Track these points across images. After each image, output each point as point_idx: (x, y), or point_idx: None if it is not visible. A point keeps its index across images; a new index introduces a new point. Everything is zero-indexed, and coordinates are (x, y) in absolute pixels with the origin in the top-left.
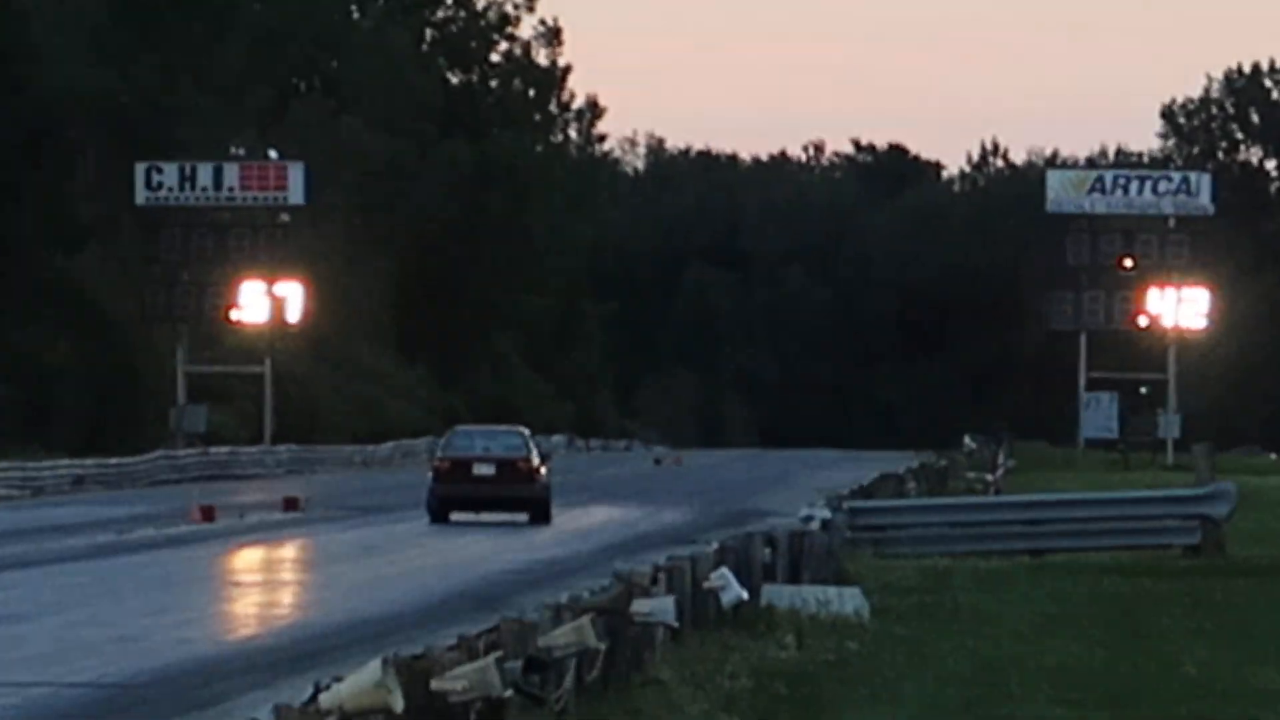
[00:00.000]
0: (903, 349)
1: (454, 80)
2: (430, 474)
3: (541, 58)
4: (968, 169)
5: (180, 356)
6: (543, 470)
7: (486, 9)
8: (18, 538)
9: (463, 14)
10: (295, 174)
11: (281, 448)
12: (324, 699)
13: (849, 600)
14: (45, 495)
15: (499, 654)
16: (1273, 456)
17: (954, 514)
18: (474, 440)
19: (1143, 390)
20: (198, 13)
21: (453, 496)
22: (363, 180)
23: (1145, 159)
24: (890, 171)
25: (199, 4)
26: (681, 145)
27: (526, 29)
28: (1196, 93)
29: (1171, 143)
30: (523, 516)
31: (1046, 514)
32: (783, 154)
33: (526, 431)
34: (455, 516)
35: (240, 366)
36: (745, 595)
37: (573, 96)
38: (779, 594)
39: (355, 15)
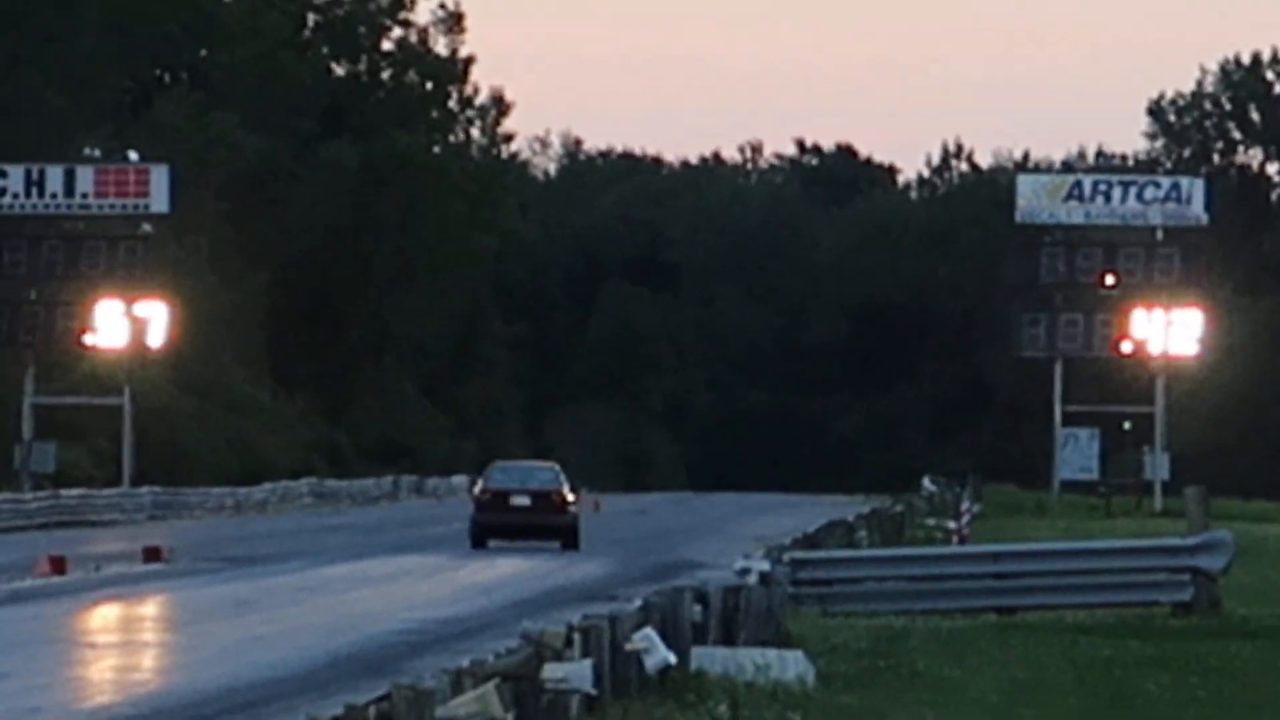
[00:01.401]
0: (854, 378)
1: (339, 71)
2: (473, 504)
3: (440, 47)
4: (926, 173)
5: (26, 387)
6: (572, 502)
7: None
8: None
9: None
10: (158, 178)
11: (142, 490)
12: None
13: (791, 665)
14: None
15: None
16: None
17: (911, 566)
18: (511, 474)
19: (1127, 426)
20: None
21: (492, 525)
22: (235, 185)
23: (1130, 162)
24: (838, 176)
25: None
26: (600, 146)
27: (423, 14)
28: (1188, 87)
29: (1160, 144)
30: (555, 544)
31: (1017, 566)
32: (715, 156)
33: (558, 467)
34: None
35: (95, 398)
36: (673, 659)
37: (476, 90)
38: (711, 658)
39: None
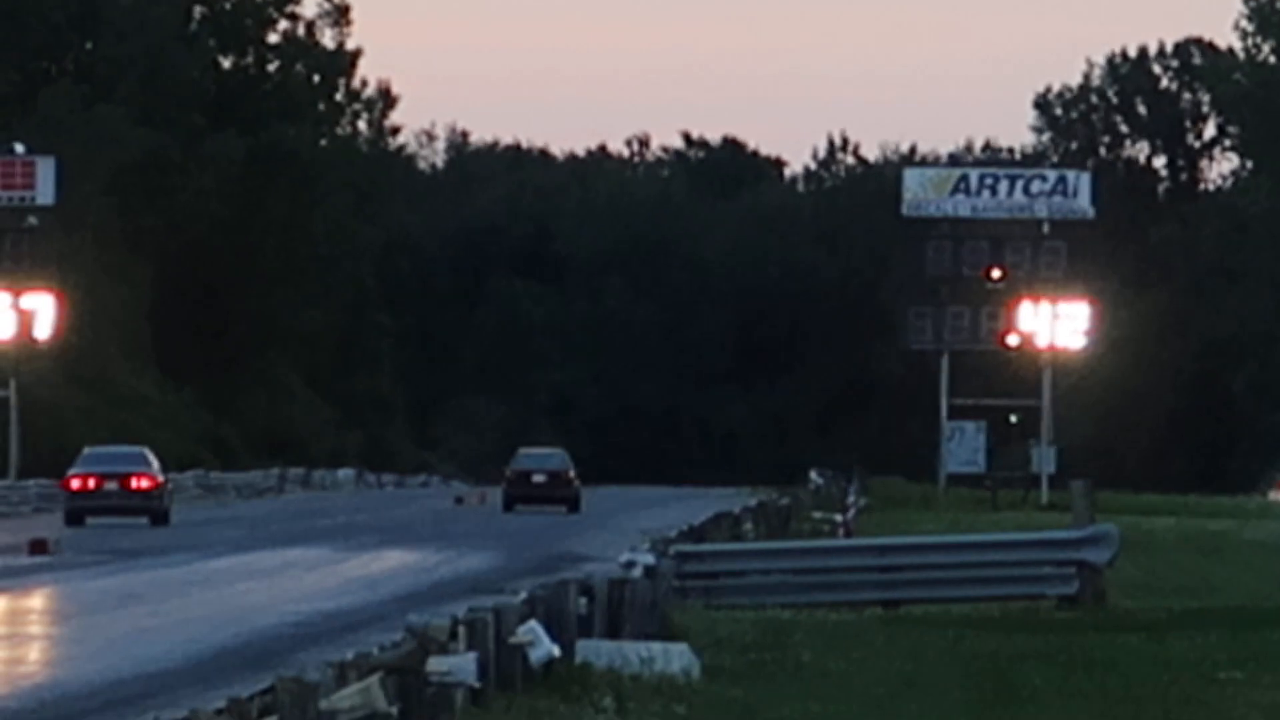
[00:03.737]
0: (741, 371)
1: (226, 64)
2: (504, 481)
3: (327, 39)
4: (813, 166)
5: None
6: (574, 478)
7: None
8: None
9: None
10: (45, 170)
11: (29, 483)
12: None
13: (676, 658)
14: None
15: (274, 718)
16: None
17: (797, 559)
18: (532, 459)
19: (1013, 419)
20: None
21: (519, 495)
22: (121, 178)
23: (1016, 155)
24: (725, 169)
25: None
26: (487, 139)
27: (310, 7)
28: (1075, 80)
29: (1046, 137)
30: (562, 509)
31: (903, 559)
32: (602, 149)
33: (565, 453)
34: (519, 509)
35: None
36: (557, 652)
37: (363, 84)
38: (596, 651)
39: None
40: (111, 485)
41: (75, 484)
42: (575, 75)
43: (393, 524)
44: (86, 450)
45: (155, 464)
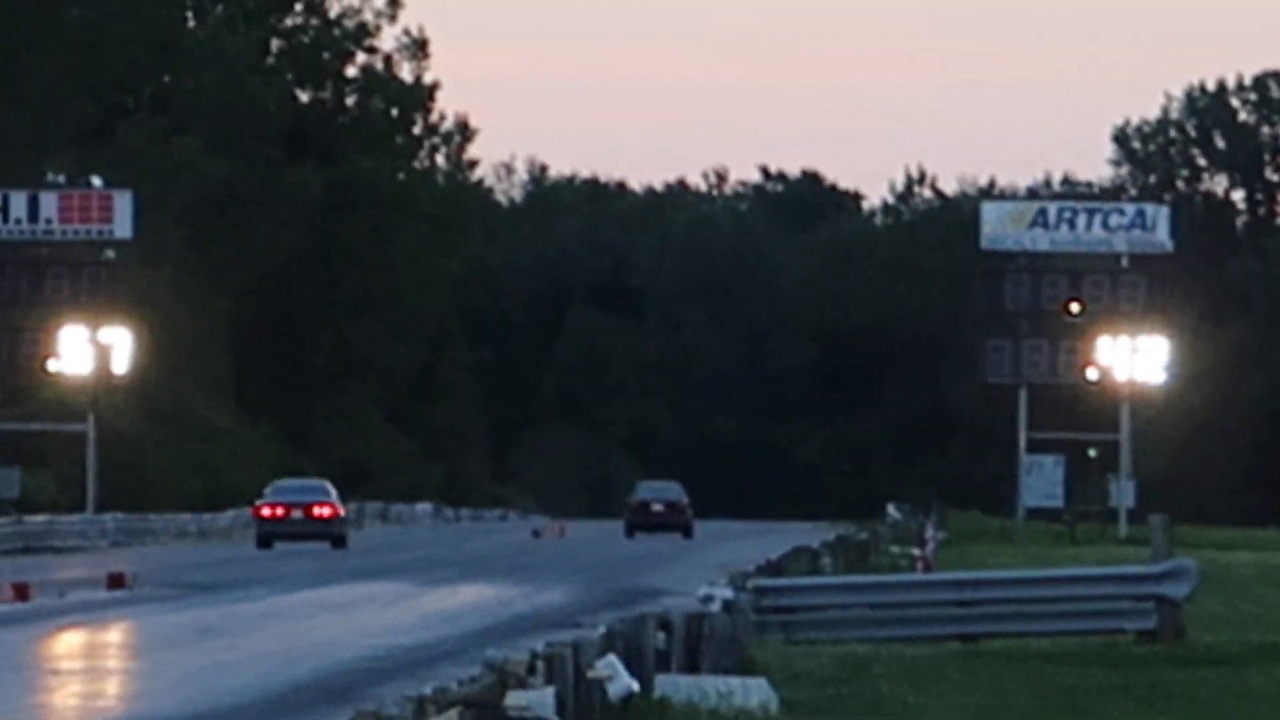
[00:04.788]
0: (819, 404)
1: (304, 97)
2: (626, 510)
3: (405, 72)
4: (891, 200)
5: None
6: (688, 506)
7: (342, 17)
8: None
9: (315, 22)
10: (122, 204)
11: (107, 516)
12: None
13: (754, 692)
14: None
15: None
16: None
17: (875, 594)
18: (652, 490)
19: (1092, 453)
20: (4, 15)
21: (639, 523)
22: (198, 210)
23: (1095, 189)
24: (804, 202)
25: (5, 5)
26: (565, 172)
27: (388, 40)
28: (1153, 114)
29: (1125, 171)
30: (678, 535)
31: (981, 594)
32: (680, 182)
33: (679, 485)
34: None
35: (59, 424)
36: (636, 686)
37: (441, 117)
38: (674, 685)
39: (190, 22)
40: (297, 514)
41: (265, 512)
42: (654, 108)
43: (471, 558)
44: (274, 482)
45: (334, 495)
